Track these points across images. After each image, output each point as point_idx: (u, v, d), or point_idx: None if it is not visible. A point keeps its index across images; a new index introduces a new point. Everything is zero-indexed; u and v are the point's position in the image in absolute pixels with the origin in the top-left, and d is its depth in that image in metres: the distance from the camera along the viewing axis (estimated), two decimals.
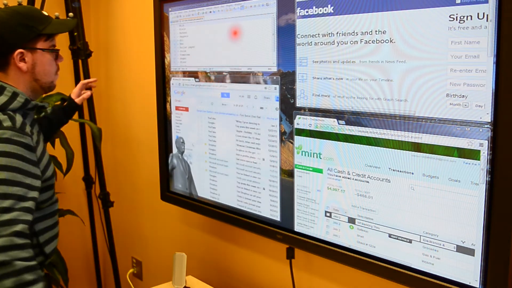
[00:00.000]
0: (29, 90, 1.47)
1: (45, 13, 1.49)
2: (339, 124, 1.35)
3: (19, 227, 1.22)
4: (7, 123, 1.32)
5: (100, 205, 2.56)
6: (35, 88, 1.48)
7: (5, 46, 1.40)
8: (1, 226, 1.19)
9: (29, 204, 1.28)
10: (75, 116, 2.25)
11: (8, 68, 1.42)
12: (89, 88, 1.91)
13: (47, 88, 1.51)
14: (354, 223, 1.35)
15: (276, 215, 1.57)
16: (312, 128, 1.42)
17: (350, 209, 1.35)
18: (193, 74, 1.80)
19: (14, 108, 1.38)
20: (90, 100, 2.47)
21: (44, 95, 1.88)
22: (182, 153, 1.89)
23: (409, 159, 1.21)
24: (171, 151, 1.95)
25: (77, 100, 1.82)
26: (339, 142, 1.35)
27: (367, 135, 1.29)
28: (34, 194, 1.31)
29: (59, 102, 1.86)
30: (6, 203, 1.22)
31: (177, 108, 1.90)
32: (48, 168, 1.44)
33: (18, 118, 1.36)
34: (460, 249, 1.14)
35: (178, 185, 1.93)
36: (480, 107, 1.07)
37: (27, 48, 1.42)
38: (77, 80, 2.55)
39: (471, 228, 1.12)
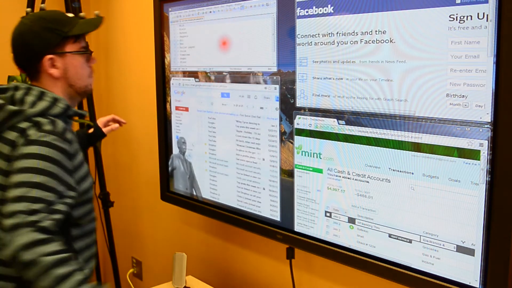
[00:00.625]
0: (66, 97, 1.39)
1: (70, 15, 1.42)
2: (339, 124, 1.35)
3: (45, 223, 1.13)
4: (48, 126, 1.25)
5: (100, 205, 2.56)
6: (71, 94, 1.41)
7: (33, 54, 1.34)
8: (27, 226, 1.11)
9: (60, 206, 1.20)
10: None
11: (40, 77, 1.36)
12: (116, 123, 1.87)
13: (82, 92, 1.43)
14: (354, 223, 1.35)
15: (276, 215, 1.57)
16: (312, 128, 1.42)
17: (350, 209, 1.35)
18: (193, 74, 1.80)
19: (55, 114, 1.31)
20: (90, 100, 2.47)
21: None
22: (183, 153, 1.89)
23: (409, 159, 1.21)
24: (171, 151, 1.95)
25: (104, 130, 1.79)
26: (339, 142, 1.35)
27: (367, 135, 1.29)
28: (67, 200, 1.23)
29: (85, 128, 1.84)
30: (36, 206, 1.14)
31: (177, 108, 1.90)
32: (84, 181, 1.34)
33: (60, 123, 1.29)
34: (460, 249, 1.14)
35: (179, 186, 1.93)
36: (480, 107, 1.07)
37: (56, 53, 1.35)
38: None
39: (471, 228, 1.12)
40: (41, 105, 1.30)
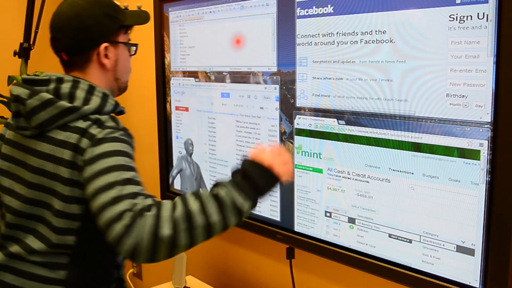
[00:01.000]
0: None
1: (117, 3, 1.29)
2: (339, 124, 1.35)
3: (149, 201, 1.02)
4: (111, 123, 1.13)
5: None
6: (113, 89, 1.28)
7: (91, 40, 1.19)
8: (140, 216, 0.97)
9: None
10: None
11: (88, 66, 1.21)
12: None
13: (123, 88, 1.32)
14: (354, 223, 1.35)
15: (276, 215, 1.57)
16: (312, 128, 1.42)
17: (350, 209, 1.35)
18: (193, 74, 1.80)
19: (108, 111, 1.18)
20: None
21: None
22: (190, 155, 1.88)
23: (409, 159, 1.21)
24: (171, 151, 1.95)
25: None
26: (339, 142, 1.35)
27: (367, 135, 1.29)
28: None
29: None
30: (136, 200, 1.01)
31: (177, 108, 1.90)
32: None
33: (118, 120, 1.18)
34: (460, 249, 1.14)
35: (186, 188, 1.92)
36: (480, 107, 1.07)
37: (111, 42, 1.22)
38: None
39: (471, 228, 1.12)
40: (95, 101, 1.16)
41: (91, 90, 1.18)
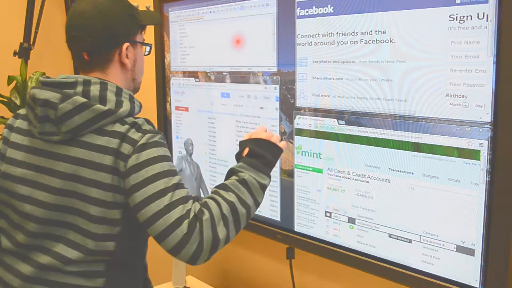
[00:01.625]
0: None
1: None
2: (339, 124, 1.35)
3: (198, 205, 1.05)
4: (147, 126, 1.11)
5: None
6: (130, 90, 1.23)
7: (114, 39, 1.15)
8: (196, 222, 1.01)
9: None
10: None
11: (109, 66, 1.17)
12: None
13: (137, 89, 1.30)
14: (354, 223, 1.35)
15: (276, 215, 1.57)
16: (312, 128, 1.42)
17: (350, 209, 1.35)
18: (193, 74, 1.80)
19: (136, 113, 1.17)
20: None
21: None
22: (190, 155, 1.88)
23: (409, 159, 1.21)
24: (171, 151, 1.95)
25: None
26: (339, 142, 1.35)
27: (367, 135, 1.29)
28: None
29: None
30: (188, 205, 1.03)
31: (177, 108, 1.90)
32: None
33: (152, 123, 1.16)
34: (460, 249, 1.14)
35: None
36: (480, 107, 1.07)
37: (131, 41, 1.19)
38: None
39: (471, 228, 1.12)
40: (126, 103, 1.13)
41: (119, 92, 1.14)
